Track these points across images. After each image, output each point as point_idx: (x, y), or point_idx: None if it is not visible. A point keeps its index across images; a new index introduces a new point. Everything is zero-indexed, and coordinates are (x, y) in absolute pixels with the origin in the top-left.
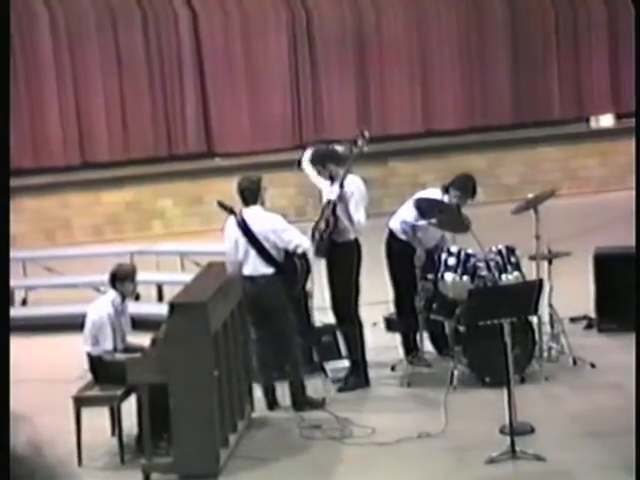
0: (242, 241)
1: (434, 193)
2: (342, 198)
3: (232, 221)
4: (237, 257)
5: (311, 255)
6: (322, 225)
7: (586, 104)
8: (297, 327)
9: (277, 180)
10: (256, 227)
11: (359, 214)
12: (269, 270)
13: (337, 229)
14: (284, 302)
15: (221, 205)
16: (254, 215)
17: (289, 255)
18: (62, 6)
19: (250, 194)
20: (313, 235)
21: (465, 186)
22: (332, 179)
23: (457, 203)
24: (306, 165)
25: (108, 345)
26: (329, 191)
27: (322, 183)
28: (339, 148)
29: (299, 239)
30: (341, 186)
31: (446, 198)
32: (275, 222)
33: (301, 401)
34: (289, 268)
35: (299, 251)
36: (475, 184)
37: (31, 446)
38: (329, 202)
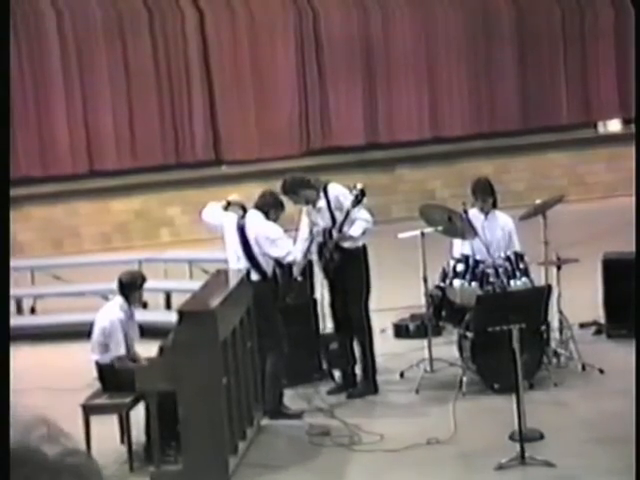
0: (236, 243)
1: (473, 212)
2: (330, 208)
3: (232, 224)
4: (232, 261)
5: (296, 268)
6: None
7: (594, 109)
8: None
9: None
10: (250, 231)
11: (361, 214)
12: (255, 277)
13: (345, 237)
14: (269, 310)
15: (242, 208)
16: (252, 219)
17: (278, 265)
18: (69, 10)
19: (263, 203)
20: (320, 254)
21: (478, 189)
22: (307, 202)
23: (481, 207)
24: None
25: (122, 350)
26: (316, 216)
27: (306, 218)
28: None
29: (289, 249)
30: (325, 194)
31: (477, 206)
32: (270, 230)
33: (276, 411)
34: (274, 277)
35: (289, 259)
36: (484, 182)
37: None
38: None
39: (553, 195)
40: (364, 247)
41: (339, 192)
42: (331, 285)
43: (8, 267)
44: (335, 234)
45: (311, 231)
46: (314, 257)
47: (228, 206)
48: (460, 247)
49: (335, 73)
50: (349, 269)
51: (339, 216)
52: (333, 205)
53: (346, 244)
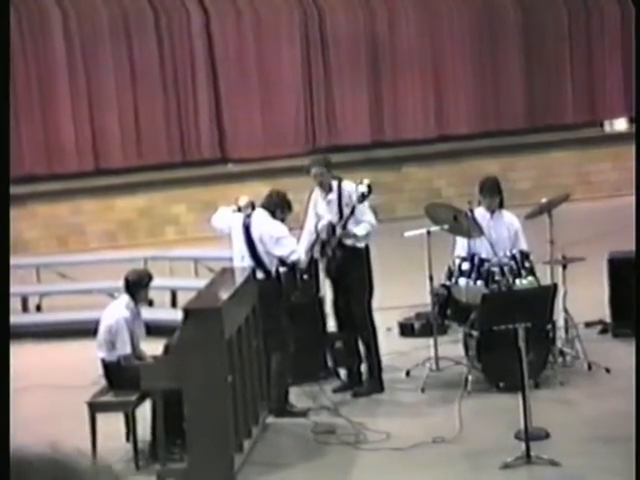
0: (241, 241)
1: (479, 211)
2: (340, 202)
3: (239, 223)
4: (237, 260)
5: (301, 266)
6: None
7: (599, 108)
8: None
9: (290, 185)
10: (255, 229)
11: (367, 216)
12: (260, 275)
13: (348, 234)
14: (274, 308)
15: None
16: (257, 218)
17: (282, 264)
18: (75, 8)
19: (269, 202)
20: (323, 251)
21: (486, 187)
22: (323, 184)
23: (488, 206)
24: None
25: (127, 349)
26: (324, 208)
27: (312, 211)
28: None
29: (292, 248)
30: (339, 188)
31: (484, 205)
32: (274, 228)
33: (281, 409)
34: (278, 276)
35: (292, 258)
36: (492, 181)
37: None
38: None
39: (559, 194)
40: (367, 247)
41: (351, 189)
42: (333, 283)
43: (8, 265)
44: (339, 230)
45: (315, 227)
46: (317, 255)
47: (238, 211)
48: (462, 245)
49: (341, 72)
50: (351, 268)
51: (346, 212)
52: (344, 201)
53: (349, 241)
